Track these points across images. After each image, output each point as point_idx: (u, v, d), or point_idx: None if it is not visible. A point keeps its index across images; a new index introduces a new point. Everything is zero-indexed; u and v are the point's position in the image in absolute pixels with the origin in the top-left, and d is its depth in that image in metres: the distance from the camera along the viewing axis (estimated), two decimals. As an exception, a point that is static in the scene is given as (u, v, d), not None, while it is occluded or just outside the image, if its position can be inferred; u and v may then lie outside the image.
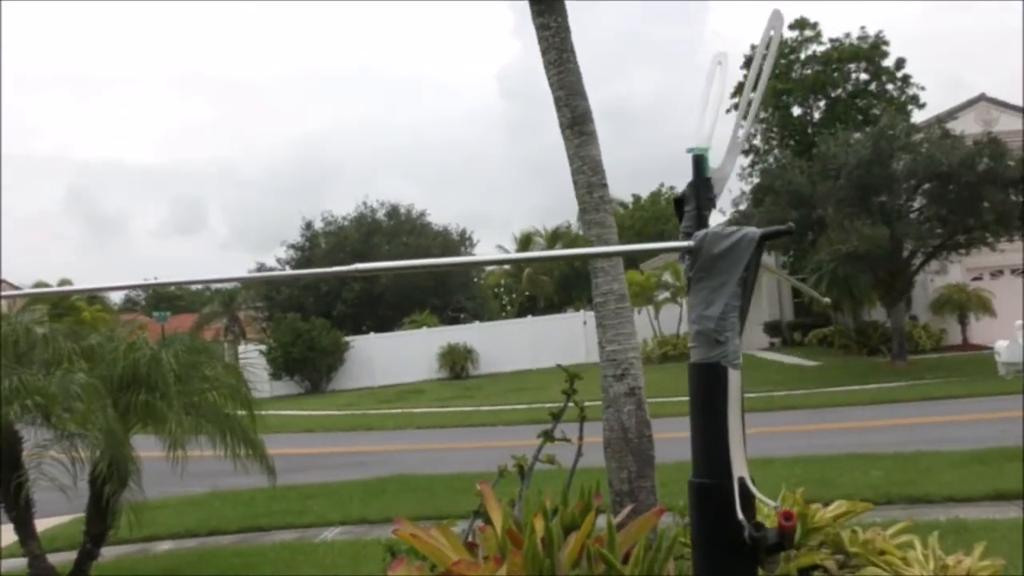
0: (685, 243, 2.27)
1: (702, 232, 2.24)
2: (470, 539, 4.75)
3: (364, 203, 50.89)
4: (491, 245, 60.64)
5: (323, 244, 49.44)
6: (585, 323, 35.47)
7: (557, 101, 5.77)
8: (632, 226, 47.32)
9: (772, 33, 2.41)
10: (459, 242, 51.15)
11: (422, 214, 51.43)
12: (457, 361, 36.47)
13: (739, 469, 2.07)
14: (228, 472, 8.57)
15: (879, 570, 4.96)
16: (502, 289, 54.73)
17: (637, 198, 50.66)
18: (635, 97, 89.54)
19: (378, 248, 47.00)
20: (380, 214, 51.05)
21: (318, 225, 50.36)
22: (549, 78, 5.80)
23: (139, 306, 77.09)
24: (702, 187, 2.30)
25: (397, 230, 49.24)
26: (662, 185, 50.41)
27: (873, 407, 19.10)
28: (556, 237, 51.01)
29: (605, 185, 5.66)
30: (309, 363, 36.62)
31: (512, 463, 5.02)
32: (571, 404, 5.19)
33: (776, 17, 2.42)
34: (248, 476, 8.91)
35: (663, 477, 11.49)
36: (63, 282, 66.03)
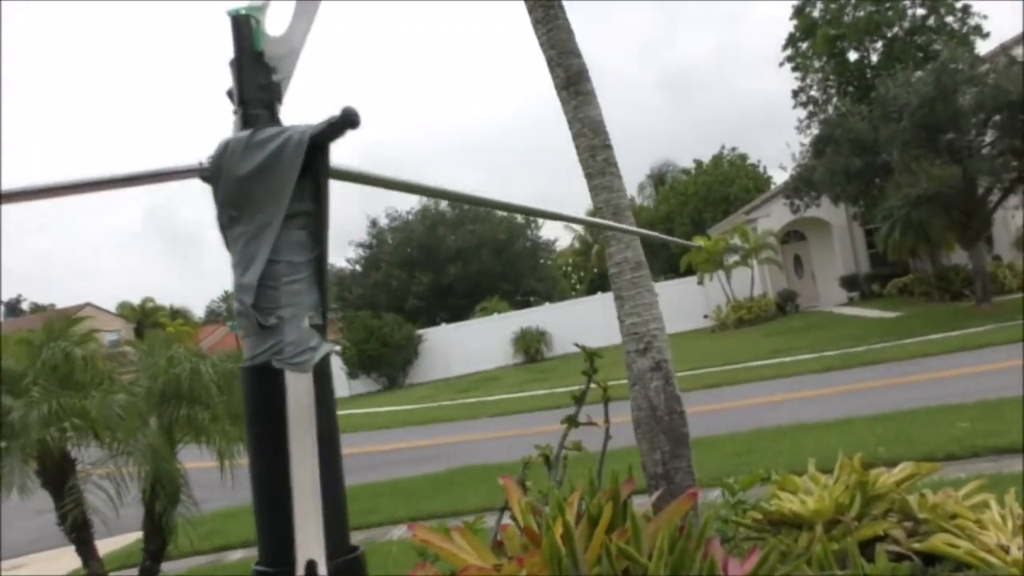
0: (192, 166, 1.48)
1: (221, 143, 1.48)
2: (498, 538, 4.47)
3: (427, 196, 50.91)
4: (558, 226, 60.27)
5: (390, 240, 49.67)
6: (657, 295, 34.92)
7: (549, 61, 5.41)
8: (696, 192, 46.44)
9: None
10: (524, 226, 50.88)
11: (485, 202, 51.16)
12: (531, 345, 36.27)
13: (309, 545, 1.31)
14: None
15: (951, 536, 4.52)
16: (571, 267, 54.34)
17: (699, 163, 49.68)
18: (688, 62, 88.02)
19: (443, 239, 47.06)
20: (443, 205, 51.04)
21: (383, 222, 50.64)
22: (538, 37, 5.44)
23: (221, 317, 78.84)
24: (249, 67, 1.48)
25: (461, 220, 49.20)
26: (723, 148, 49.38)
27: (960, 354, 18.26)
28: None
29: (609, 146, 5.29)
30: (384, 359, 36.79)
31: (536, 452, 4.71)
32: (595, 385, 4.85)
33: None
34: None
35: (727, 449, 11.19)
36: (147, 300, 67.98)
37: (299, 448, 1.36)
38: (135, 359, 9.02)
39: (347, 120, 1.46)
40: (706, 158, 49.67)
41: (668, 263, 43.27)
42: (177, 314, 69.83)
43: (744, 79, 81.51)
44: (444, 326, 39.53)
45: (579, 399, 4.74)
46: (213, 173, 1.49)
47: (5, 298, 69.67)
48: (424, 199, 50.53)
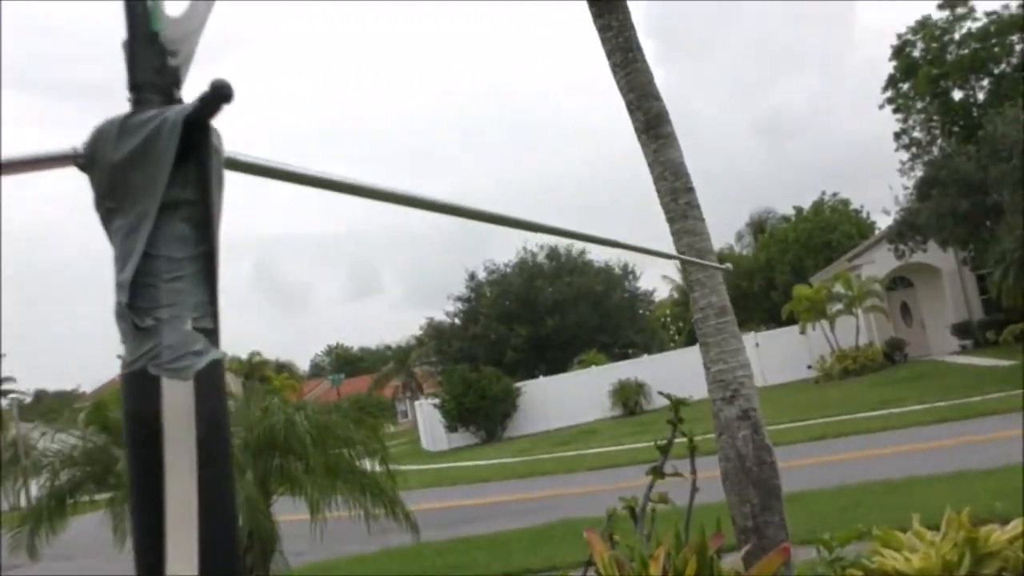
0: (65, 152, 1.32)
1: (96, 129, 1.33)
2: (583, 592, 4.35)
3: (524, 248, 51.27)
4: (656, 277, 59.86)
5: (488, 293, 49.99)
6: (757, 345, 34.18)
7: (629, 105, 5.37)
8: (796, 239, 45.53)
9: None
10: (622, 277, 50.63)
11: (582, 253, 51.30)
12: (629, 397, 35.84)
13: (180, 567, 1.16)
14: (398, 528, 8.57)
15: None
16: (669, 318, 53.74)
17: (799, 210, 48.76)
18: (786, 107, 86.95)
19: (541, 291, 47.13)
20: (540, 257, 51.23)
21: (481, 275, 51.04)
22: (617, 81, 5.41)
23: (324, 371, 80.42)
24: (142, 49, 1.36)
25: (559, 271, 49.23)
26: (823, 193, 48.40)
27: (1084, 404, 17.29)
28: (720, 260, 49.74)
29: (691, 189, 5.20)
30: (483, 412, 36.81)
31: (621, 504, 4.58)
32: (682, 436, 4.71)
33: None
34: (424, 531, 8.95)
35: (831, 504, 10.77)
36: (254, 355, 69.82)
37: (175, 462, 1.19)
38: (233, 410, 9.19)
39: (218, 93, 1.31)
40: (806, 204, 48.83)
41: (769, 312, 42.40)
42: (282, 368, 71.46)
43: (843, 122, 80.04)
44: (542, 379, 39.39)
45: (664, 449, 4.61)
46: (88, 161, 1.31)
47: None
48: (522, 252, 50.91)
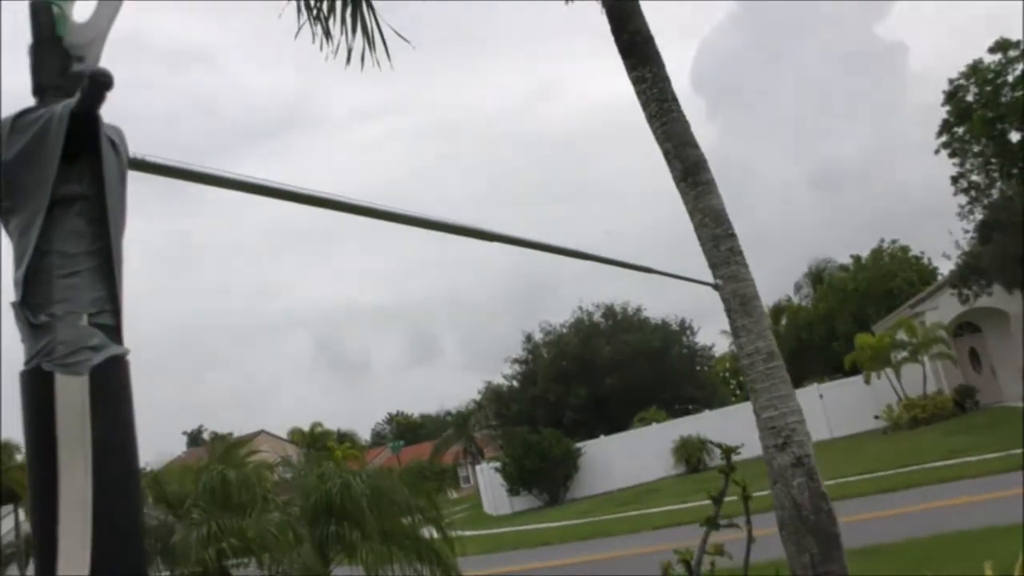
0: None
1: None
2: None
3: (580, 307, 51.21)
4: (715, 331, 59.20)
5: (545, 354, 49.86)
6: (821, 396, 33.51)
7: (666, 154, 5.38)
8: (856, 288, 44.81)
9: None
10: (679, 332, 50.21)
11: (638, 310, 51.08)
12: (692, 454, 35.24)
13: (71, 567, 1.11)
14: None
15: None
16: (729, 373, 52.98)
17: (857, 258, 48.06)
18: (841, 156, 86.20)
19: (598, 350, 46.87)
20: (597, 316, 51.09)
21: (538, 336, 50.97)
22: (654, 131, 5.43)
23: (386, 439, 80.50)
24: (47, 54, 1.38)
25: (615, 329, 49.02)
26: (882, 240, 47.69)
27: None
28: (778, 312, 49.14)
29: (732, 235, 5.16)
30: (544, 474, 36.45)
31: (676, 558, 4.47)
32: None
33: None
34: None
35: (903, 557, 10.41)
36: (315, 426, 70.29)
37: (68, 462, 1.16)
38: (290, 478, 9.23)
39: (97, 83, 1.32)
40: (864, 252, 48.14)
41: (831, 362, 41.60)
42: (344, 437, 71.77)
43: (898, 169, 79.08)
44: (603, 438, 38.98)
45: (717, 499, 4.51)
46: None
47: (188, 429, 73.21)
48: (577, 312, 50.81)
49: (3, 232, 1.33)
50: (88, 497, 1.16)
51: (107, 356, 1.27)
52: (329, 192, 1.84)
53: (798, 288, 54.39)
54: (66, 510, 1.15)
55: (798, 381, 42.22)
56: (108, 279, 1.32)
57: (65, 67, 1.41)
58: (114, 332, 1.32)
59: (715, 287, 3.93)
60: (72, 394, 1.20)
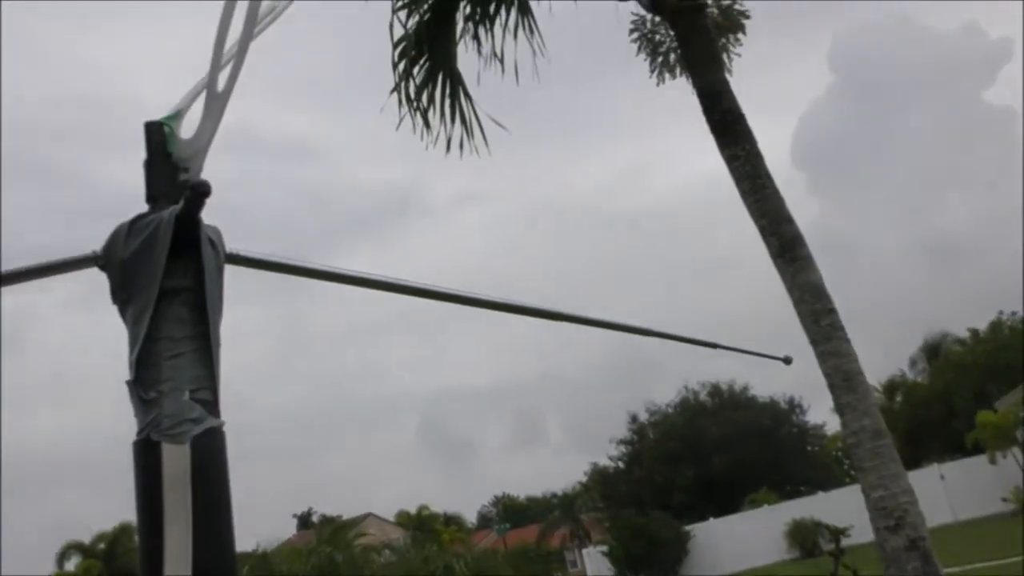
0: (87, 255, 1.55)
1: (112, 233, 1.55)
2: None
3: (685, 386, 50.47)
4: (825, 409, 57.41)
5: (650, 435, 49.17)
6: (943, 477, 32.06)
7: (762, 231, 5.40)
8: (975, 362, 42.99)
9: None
10: (789, 411, 48.92)
11: (745, 388, 50.06)
12: (806, 537, 33.95)
13: None
14: None
15: None
16: (842, 453, 51.18)
17: (975, 332, 46.23)
18: (952, 227, 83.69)
19: (705, 431, 45.99)
20: (703, 395, 50.26)
21: (643, 417, 50.37)
22: (748, 207, 5.47)
23: (492, 522, 79.94)
24: (158, 167, 1.60)
25: (722, 408, 48.08)
26: (1000, 312, 45.80)
27: None
28: (893, 388, 47.44)
29: (832, 311, 5.11)
30: (652, 558, 35.63)
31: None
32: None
33: None
34: None
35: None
36: (422, 508, 70.33)
37: (173, 521, 1.29)
38: (395, 561, 9.34)
39: (197, 192, 1.53)
40: (982, 325, 46.31)
41: (951, 441, 39.81)
42: (450, 520, 71.53)
43: (1014, 237, 76.13)
44: (712, 520, 38.02)
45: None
46: (105, 261, 1.54)
47: (298, 511, 74.16)
48: (683, 391, 50.04)
49: (120, 319, 1.56)
50: (189, 554, 1.29)
51: (206, 427, 1.43)
52: (422, 282, 2.01)
53: (913, 363, 52.50)
54: (171, 565, 1.27)
55: (917, 461, 40.74)
56: (207, 360, 1.49)
57: (173, 178, 1.64)
58: (212, 406, 1.49)
59: (785, 361, 3.91)
60: (176, 461, 1.35)
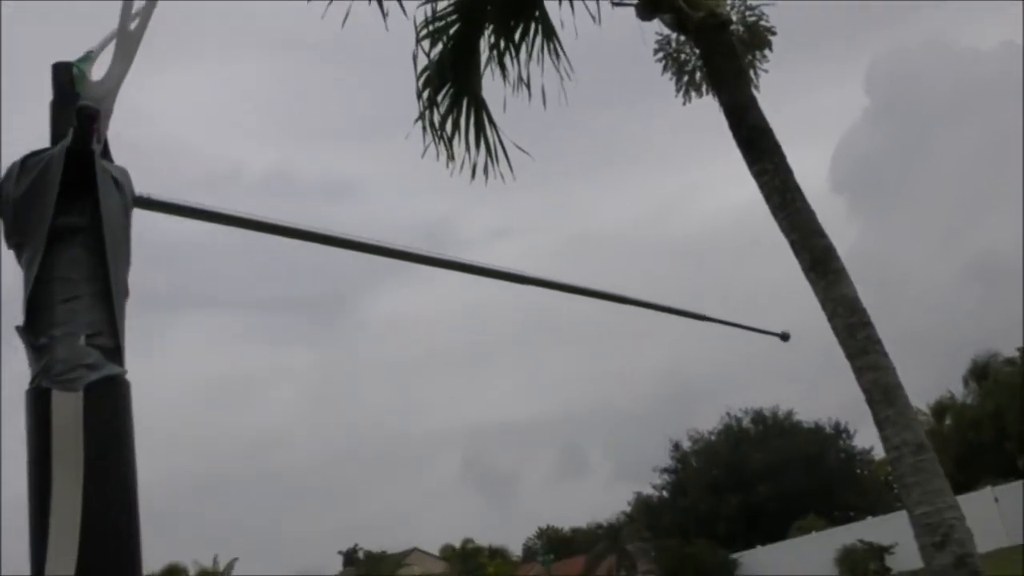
0: None
1: (4, 173, 1.45)
2: None
3: (728, 413, 49.87)
4: (872, 433, 56.35)
5: (694, 463, 48.62)
6: (997, 500, 31.27)
7: (793, 245, 5.31)
8: (1025, 382, 42.01)
9: None
10: (835, 436, 48.10)
11: (789, 414, 49.35)
12: (857, 563, 33.23)
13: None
14: None
15: None
16: (891, 477, 50.23)
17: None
18: (998, 245, 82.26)
19: (749, 457, 45.35)
20: (746, 422, 49.63)
21: (686, 445, 49.83)
22: (779, 223, 5.39)
23: (537, 554, 79.30)
24: (65, 109, 1.49)
25: (766, 435, 47.41)
26: (1058, 335, 44.68)
27: None
28: (942, 410, 46.48)
29: (868, 324, 5.00)
30: (699, 588, 35.13)
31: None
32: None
33: None
34: None
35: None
36: (467, 542, 70.02)
37: (61, 473, 1.19)
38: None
39: (81, 116, 1.44)
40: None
41: (1004, 464, 38.86)
42: (495, 553, 71.05)
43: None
44: (759, 548, 37.38)
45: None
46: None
47: (344, 548, 74.23)
48: (725, 418, 49.42)
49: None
50: (77, 506, 1.20)
51: (104, 375, 1.34)
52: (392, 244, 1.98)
53: (966, 382, 51.38)
54: (56, 517, 1.18)
55: (968, 484, 39.80)
56: (107, 305, 1.39)
57: (86, 124, 1.52)
58: (114, 353, 1.39)
59: (783, 338, 3.82)
60: (67, 409, 1.25)
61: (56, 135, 1.55)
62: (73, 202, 1.46)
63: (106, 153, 1.57)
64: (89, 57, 1.60)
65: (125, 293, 1.47)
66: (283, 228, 2.10)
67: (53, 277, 1.39)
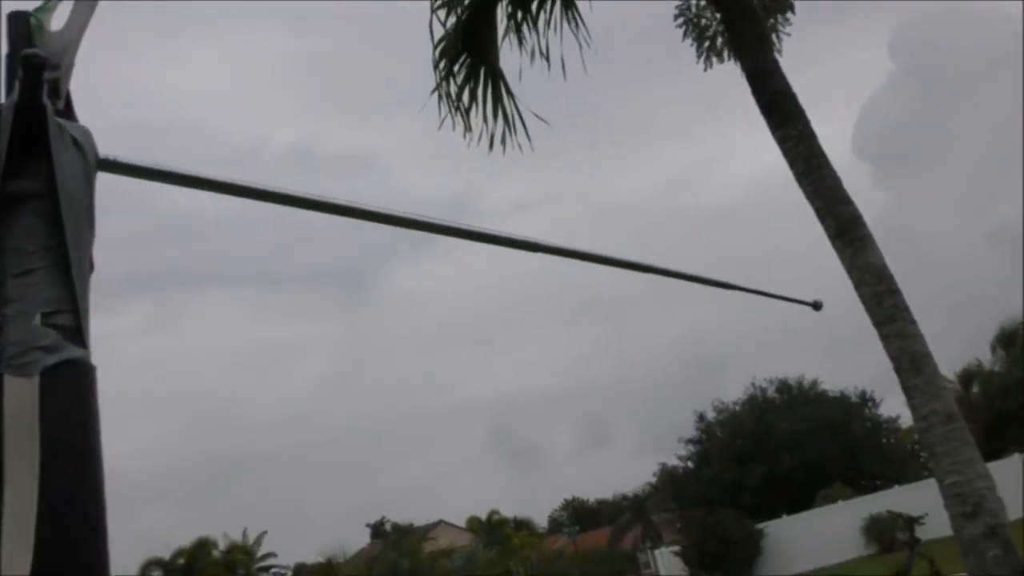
0: None
1: None
2: None
3: (753, 383, 49.69)
4: (899, 401, 56.02)
5: (719, 433, 48.54)
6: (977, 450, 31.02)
7: (818, 212, 5.21)
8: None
9: None
10: (861, 405, 47.84)
11: (815, 383, 49.09)
12: (884, 532, 33.12)
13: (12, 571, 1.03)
14: None
15: None
16: (917, 445, 49.93)
17: (1053, 315, 44.66)
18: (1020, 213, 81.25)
19: (775, 427, 45.23)
20: (771, 392, 49.43)
21: (711, 416, 49.76)
22: (803, 189, 5.28)
23: (562, 525, 79.66)
24: (17, 62, 1.35)
25: (791, 404, 47.23)
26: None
27: None
28: (969, 377, 46.09)
29: (895, 291, 4.90)
30: (725, 557, 35.10)
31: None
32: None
33: None
34: None
35: None
36: (492, 513, 70.38)
37: (12, 463, 1.10)
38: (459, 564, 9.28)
39: (27, 65, 1.31)
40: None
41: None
42: (521, 525, 71.33)
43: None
44: (785, 518, 37.33)
45: (904, 574, 4.19)
46: None
47: (371, 521, 74.64)
48: (750, 388, 49.24)
49: None
50: (33, 502, 1.12)
51: (63, 358, 1.23)
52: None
53: (994, 349, 50.85)
54: (9, 513, 1.11)
55: (996, 452, 39.48)
56: (66, 279, 1.27)
57: (34, 77, 1.40)
58: (74, 333, 1.27)
59: (815, 307, 3.73)
60: (20, 396, 1.15)
61: (12, 92, 1.46)
62: (25, 163, 1.30)
63: (69, 113, 1.43)
64: (48, 7, 1.47)
65: (89, 266, 1.34)
66: (298, 199, 2.05)
67: (5, 248, 1.25)
